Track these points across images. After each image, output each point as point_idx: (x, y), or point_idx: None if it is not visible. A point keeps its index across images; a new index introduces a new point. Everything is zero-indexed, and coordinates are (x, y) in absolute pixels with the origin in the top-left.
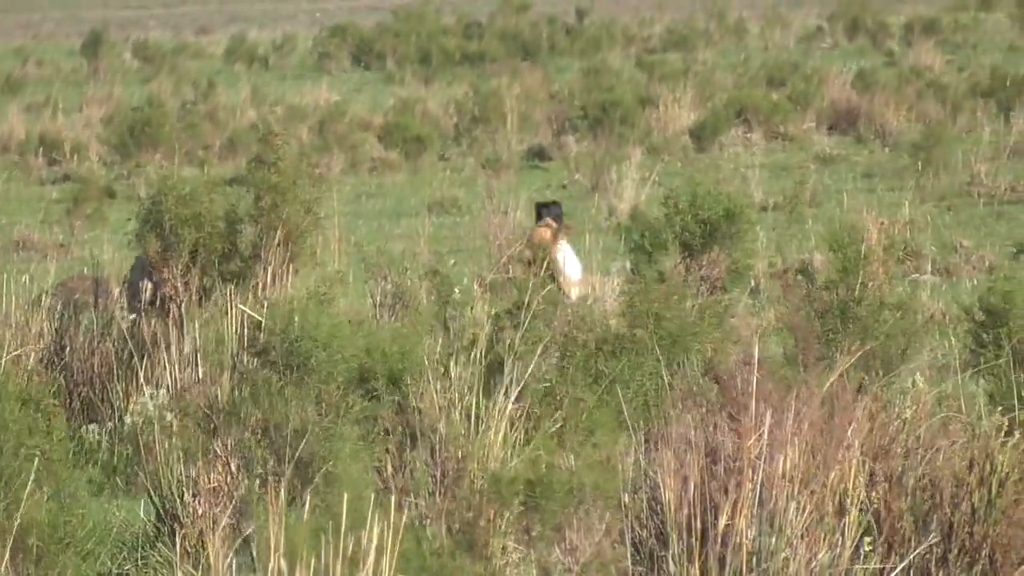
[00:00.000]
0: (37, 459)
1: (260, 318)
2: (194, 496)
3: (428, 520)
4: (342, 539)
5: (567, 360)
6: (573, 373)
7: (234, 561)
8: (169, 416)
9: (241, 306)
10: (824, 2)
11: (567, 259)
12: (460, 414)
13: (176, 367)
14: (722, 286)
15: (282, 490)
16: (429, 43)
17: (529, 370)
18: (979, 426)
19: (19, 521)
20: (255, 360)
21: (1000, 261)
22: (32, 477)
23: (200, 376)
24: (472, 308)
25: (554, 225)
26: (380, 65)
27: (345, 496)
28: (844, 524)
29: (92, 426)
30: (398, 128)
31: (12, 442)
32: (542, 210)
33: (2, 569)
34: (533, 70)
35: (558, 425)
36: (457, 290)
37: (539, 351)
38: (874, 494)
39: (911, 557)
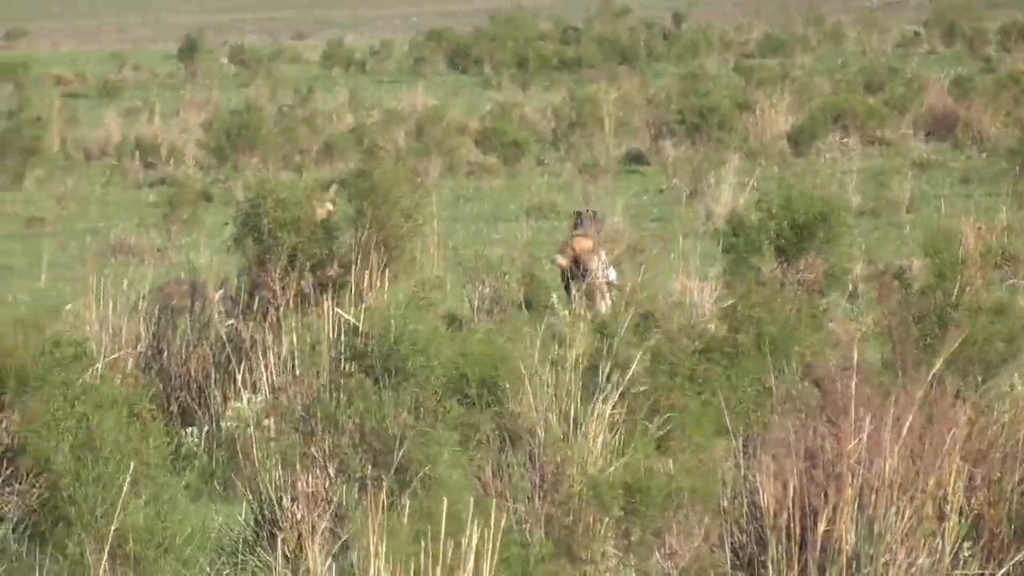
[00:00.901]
0: (134, 464)
1: (358, 323)
2: (293, 501)
3: (527, 525)
4: (441, 544)
5: (665, 364)
6: (671, 377)
7: (333, 566)
8: (266, 420)
9: (339, 310)
10: (921, 8)
11: (605, 270)
12: (558, 418)
13: (273, 371)
14: (819, 290)
15: (381, 495)
16: (526, 48)
17: (628, 375)
18: None
19: (116, 526)
20: (352, 365)
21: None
22: (129, 482)
23: (297, 380)
24: (569, 312)
25: (593, 236)
26: (477, 70)
27: (444, 501)
28: (944, 529)
29: (190, 430)
30: (495, 133)
31: (110, 447)
32: (582, 219)
33: (101, 574)
34: (630, 75)
35: (656, 430)
36: (555, 296)
37: (637, 356)
38: (973, 499)
39: (1010, 564)
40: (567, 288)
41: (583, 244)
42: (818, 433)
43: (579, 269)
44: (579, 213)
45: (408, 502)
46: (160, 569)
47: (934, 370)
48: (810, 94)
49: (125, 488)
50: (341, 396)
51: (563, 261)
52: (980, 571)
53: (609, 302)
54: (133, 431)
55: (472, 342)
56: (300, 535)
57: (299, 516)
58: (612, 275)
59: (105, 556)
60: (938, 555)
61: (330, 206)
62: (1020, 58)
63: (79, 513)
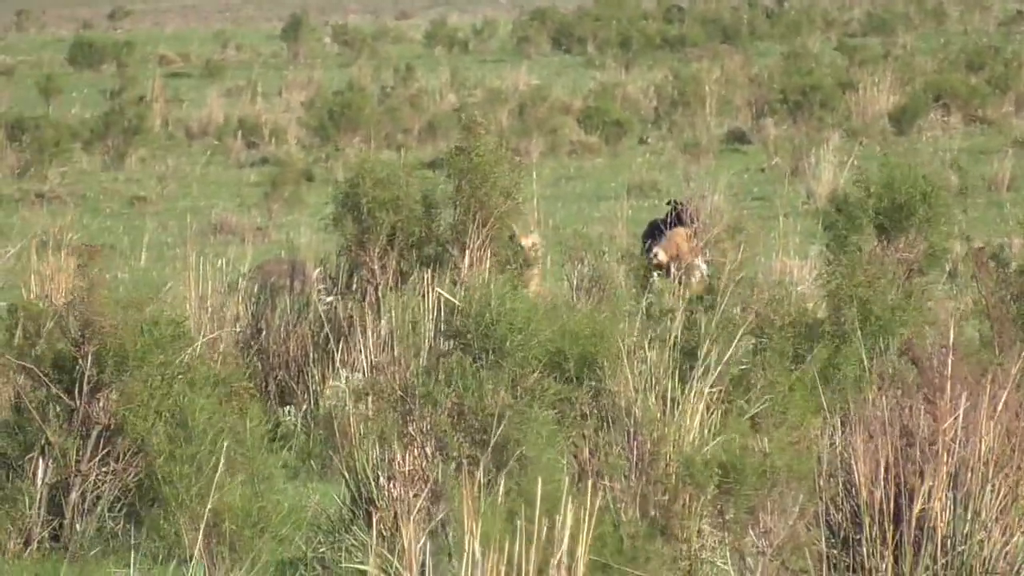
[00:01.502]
0: (228, 443)
1: (457, 301)
2: (389, 480)
3: (623, 504)
4: (536, 523)
5: (763, 343)
6: (769, 356)
7: (428, 544)
8: (365, 399)
9: (438, 289)
10: None
11: (700, 265)
12: (655, 398)
13: (372, 351)
14: (919, 269)
15: (477, 474)
16: (629, 27)
17: (727, 355)
18: None
19: (211, 506)
20: (450, 343)
21: None
22: (224, 462)
23: (396, 359)
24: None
25: (690, 231)
26: (580, 49)
27: (539, 480)
28: None
29: (288, 409)
30: (598, 112)
31: (206, 426)
32: (680, 211)
33: (196, 553)
34: (733, 54)
35: (754, 409)
36: (656, 275)
37: (737, 335)
38: None
39: None
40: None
41: (682, 243)
42: (914, 411)
43: (676, 264)
44: (677, 204)
45: (504, 481)
46: (256, 548)
47: None
48: (912, 73)
49: (220, 467)
50: (439, 375)
51: (664, 257)
52: None
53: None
54: (228, 410)
55: (571, 321)
56: (396, 514)
57: (395, 495)
58: (704, 269)
59: (200, 535)
60: None
61: (536, 237)
62: None
63: (174, 492)
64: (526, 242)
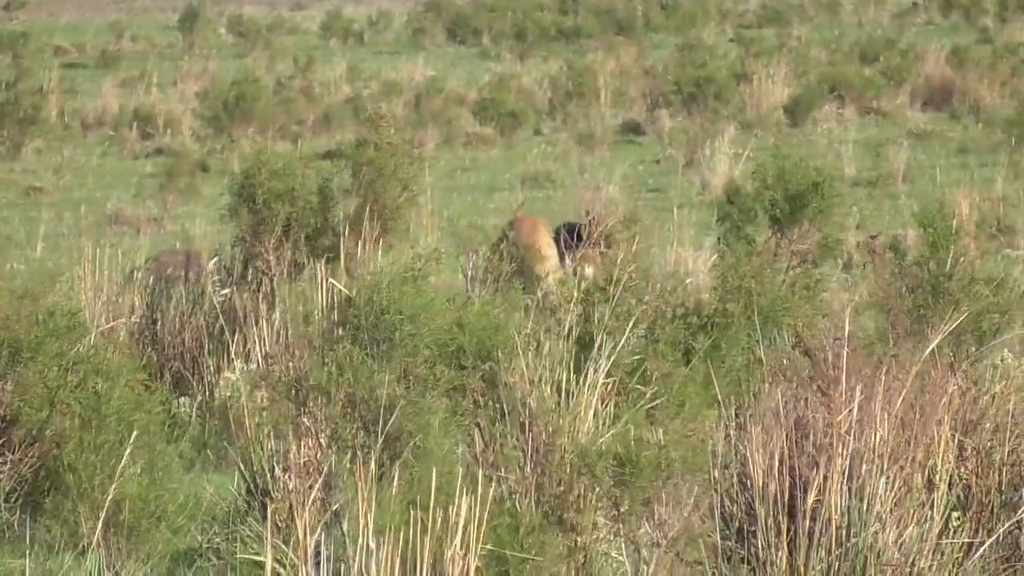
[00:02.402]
0: (134, 433)
1: (350, 292)
2: (284, 470)
3: (517, 495)
4: (431, 513)
5: (657, 335)
6: (664, 348)
7: (323, 535)
8: (259, 390)
9: (332, 280)
10: None
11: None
12: (550, 389)
13: (266, 341)
14: (813, 260)
15: (372, 464)
16: (524, 19)
17: (619, 345)
18: None
19: (111, 495)
20: (344, 334)
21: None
22: (129, 451)
23: (289, 350)
24: (564, 283)
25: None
26: (475, 41)
27: (434, 471)
28: (933, 499)
29: (183, 400)
30: (493, 103)
31: (111, 417)
32: (578, 232)
33: (94, 542)
34: (628, 45)
35: (648, 400)
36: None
37: (629, 326)
38: (963, 469)
39: (1000, 532)
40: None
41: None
42: (809, 403)
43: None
44: (573, 227)
45: (398, 472)
46: (152, 538)
47: (931, 347)
48: (806, 65)
49: (125, 457)
50: (332, 366)
51: (590, 271)
52: (969, 540)
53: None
54: (127, 400)
55: (465, 312)
56: (291, 505)
57: (290, 485)
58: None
59: (100, 525)
60: (927, 525)
61: (590, 271)
62: (1017, 28)
63: (77, 481)
64: (587, 272)
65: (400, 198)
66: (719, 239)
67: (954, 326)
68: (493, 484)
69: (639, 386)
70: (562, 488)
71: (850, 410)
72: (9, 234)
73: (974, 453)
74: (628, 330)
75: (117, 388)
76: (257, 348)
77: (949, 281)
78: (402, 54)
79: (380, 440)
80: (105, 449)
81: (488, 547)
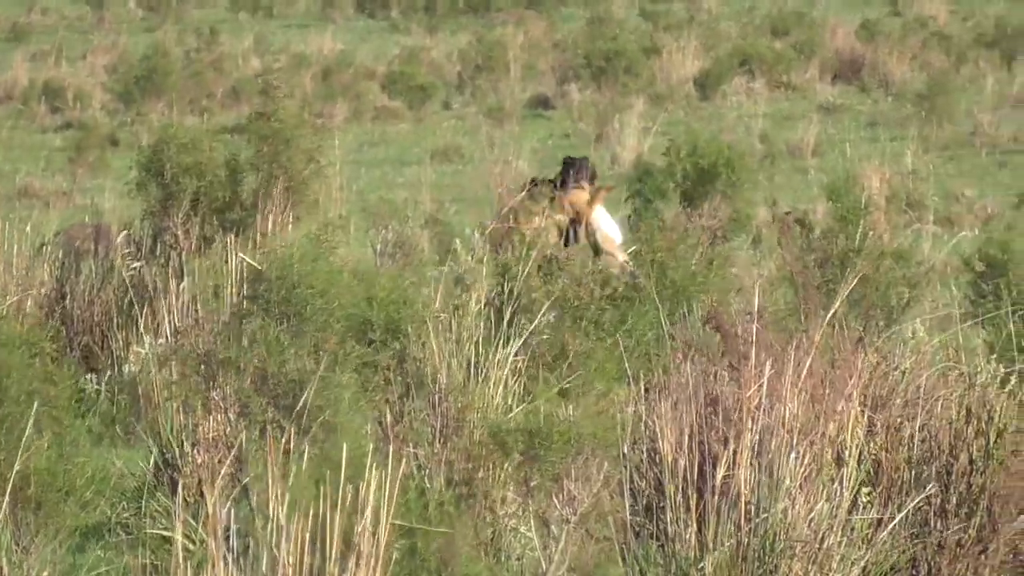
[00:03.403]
0: (38, 406)
1: (259, 267)
2: (193, 445)
3: (427, 471)
4: (341, 489)
5: (569, 310)
6: (574, 323)
7: (233, 510)
8: (168, 365)
9: (241, 254)
10: None
11: (606, 222)
12: (460, 364)
13: (176, 316)
14: (723, 235)
15: (281, 439)
16: None
17: (533, 325)
18: (978, 376)
19: (18, 469)
20: (254, 308)
21: (1002, 211)
22: (32, 424)
23: (199, 324)
24: (474, 257)
25: (587, 187)
26: (385, 14)
27: (344, 446)
28: (842, 475)
29: (91, 375)
30: (402, 77)
31: (15, 389)
32: (572, 170)
33: (1, 517)
34: (538, 19)
35: (557, 377)
36: (458, 240)
37: (544, 302)
38: (872, 445)
39: (909, 508)
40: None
41: (579, 197)
42: (718, 379)
43: (580, 226)
44: (570, 160)
45: (308, 447)
46: (61, 513)
47: (832, 312)
48: (716, 38)
49: (28, 430)
50: (242, 340)
51: (560, 217)
52: (878, 516)
53: (623, 258)
54: (35, 373)
55: (375, 286)
56: (200, 480)
57: (199, 460)
58: (617, 235)
59: (6, 500)
60: (837, 501)
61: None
62: (928, 1)
63: None
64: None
65: (306, 170)
66: (629, 215)
67: (849, 289)
68: (403, 459)
69: (551, 361)
70: (472, 464)
71: (760, 385)
72: None
73: (884, 429)
74: (544, 311)
75: (23, 360)
76: (167, 322)
77: (858, 255)
78: (311, 27)
79: (290, 415)
80: (8, 422)
81: (398, 522)
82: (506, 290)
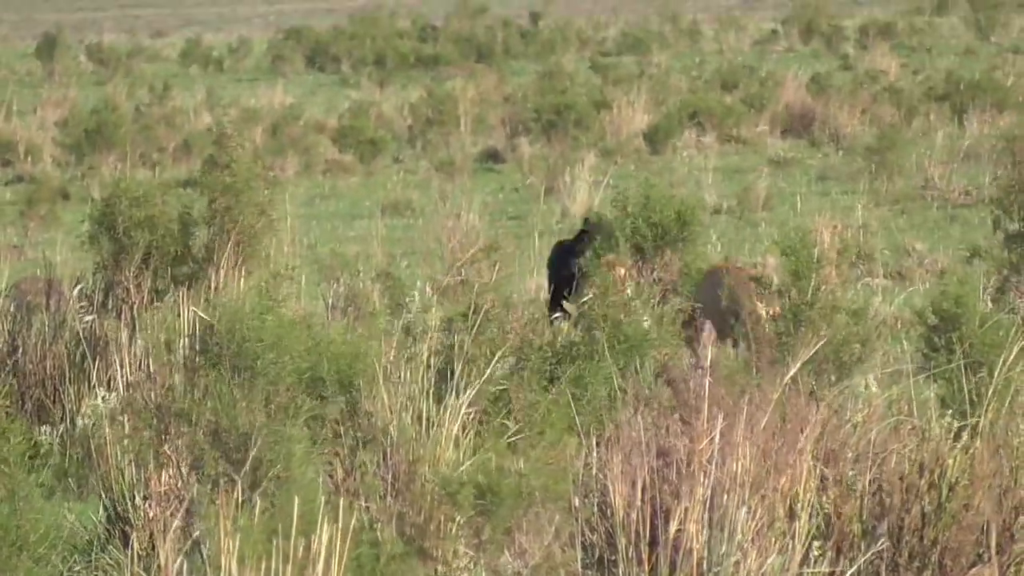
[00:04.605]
0: None
1: (211, 320)
2: (145, 499)
3: (379, 524)
4: (292, 542)
5: (521, 364)
6: (527, 377)
7: (185, 564)
8: (120, 418)
9: (193, 308)
10: (779, 6)
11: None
12: (412, 417)
13: (128, 369)
14: (675, 289)
15: (233, 493)
16: (384, 46)
17: (484, 376)
18: (930, 430)
19: None
20: (205, 362)
21: (953, 265)
22: None
23: (151, 378)
24: (425, 311)
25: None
26: (335, 68)
27: (295, 499)
28: (795, 529)
29: (44, 428)
30: (352, 131)
31: None
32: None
33: None
34: (488, 73)
35: (510, 429)
36: (415, 294)
37: (494, 355)
38: (824, 499)
39: (860, 562)
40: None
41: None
42: (671, 432)
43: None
44: (590, 223)
45: (259, 500)
46: (13, 567)
47: (790, 374)
48: (666, 92)
49: None
50: (195, 394)
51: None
52: (831, 569)
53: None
54: None
55: (326, 339)
56: (152, 533)
57: (151, 514)
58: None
59: None
60: (789, 554)
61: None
62: (878, 55)
63: None
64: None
65: (258, 224)
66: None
67: (812, 352)
68: (355, 512)
69: (502, 414)
70: (423, 517)
71: (712, 439)
72: None
73: (836, 483)
74: (495, 360)
75: None
76: (119, 376)
77: (811, 310)
78: (261, 81)
79: (241, 468)
80: None
81: None
82: (456, 343)
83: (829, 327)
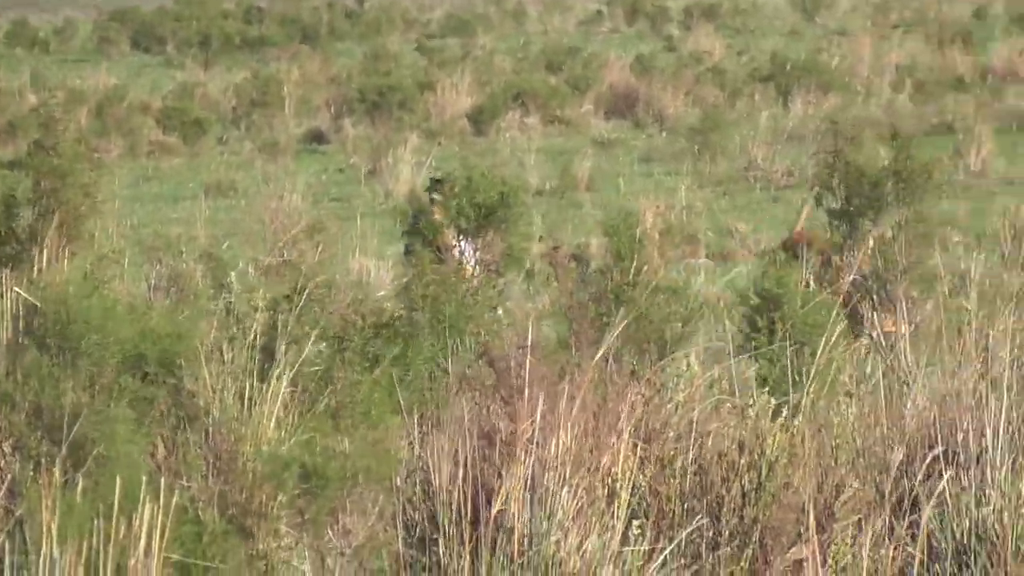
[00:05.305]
0: None
1: (35, 301)
2: None
3: (201, 503)
4: (115, 522)
5: (343, 343)
6: (350, 356)
7: (6, 543)
8: None
9: (16, 288)
10: None
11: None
12: (234, 397)
13: None
14: (497, 270)
15: (55, 473)
16: (210, 27)
17: (304, 354)
18: (751, 409)
19: None
20: (29, 343)
21: (775, 246)
22: None
23: None
24: (248, 291)
25: None
26: (160, 49)
27: (118, 479)
28: (615, 508)
29: None
30: (177, 112)
31: None
32: None
33: None
34: (313, 55)
35: (332, 407)
36: (232, 274)
37: (313, 335)
38: (644, 477)
39: (679, 539)
40: None
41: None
42: (492, 412)
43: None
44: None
45: (82, 480)
46: None
47: (605, 348)
48: (491, 74)
49: None
50: (17, 375)
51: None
52: (651, 547)
53: None
54: None
55: (149, 320)
56: None
57: None
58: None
59: None
60: (609, 533)
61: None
62: (702, 37)
63: None
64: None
65: (83, 206)
66: (404, 249)
67: (621, 326)
68: (177, 492)
69: (323, 393)
70: (245, 496)
71: (533, 419)
72: None
73: (656, 461)
74: (311, 340)
75: None
76: None
77: (632, 290)
78: (87, 62)
79: (64, 448)
80: None
81: (172, 555)
82: (280, 322)
83: (649, 306)
